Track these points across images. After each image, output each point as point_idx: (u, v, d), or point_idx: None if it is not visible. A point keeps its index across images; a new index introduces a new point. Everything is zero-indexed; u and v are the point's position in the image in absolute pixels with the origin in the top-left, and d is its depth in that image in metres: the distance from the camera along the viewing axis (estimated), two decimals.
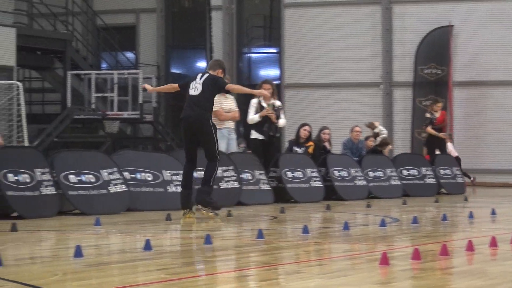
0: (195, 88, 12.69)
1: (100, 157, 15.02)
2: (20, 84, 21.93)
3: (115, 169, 14.48)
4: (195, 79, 12.87)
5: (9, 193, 12.85)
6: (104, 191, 14.02)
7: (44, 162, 13.89)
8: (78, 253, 7.58)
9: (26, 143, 20.36)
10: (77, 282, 6.45)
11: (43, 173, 13.60)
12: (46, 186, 13.50)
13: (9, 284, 6.11)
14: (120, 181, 14.38)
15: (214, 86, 12.79)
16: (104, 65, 30.62)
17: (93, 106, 26.31)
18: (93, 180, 14.09)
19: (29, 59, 26.14)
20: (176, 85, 13.45)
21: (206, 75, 12.85)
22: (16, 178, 13.17)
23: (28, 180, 13.32)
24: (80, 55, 27.63)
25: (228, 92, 14.42)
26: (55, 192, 13.44)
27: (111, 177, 14.22)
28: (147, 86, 14.25)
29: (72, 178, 13.86)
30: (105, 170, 14.18)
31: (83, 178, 14.00)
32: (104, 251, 9.56)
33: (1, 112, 17.73)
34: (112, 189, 13.85)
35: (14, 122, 20.64)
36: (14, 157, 13.76)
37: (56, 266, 7.53)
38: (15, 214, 12.92)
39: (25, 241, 10.09)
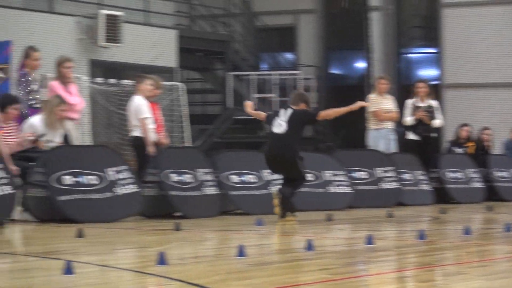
0: (279, 126, 12.21)
1: (260, 158, 15.13)
2: (181, 85, 22.47)
3: None
4: (278, 114, 12.40)
5: (173, 193, 13.15)
6: (265, 191, 14.16)
7: (206, 162, 14.15)
8: (241, 252, 7.65)
9: (188, 144, 20.78)
10: (239, 281, 6.49)
11: (205, 173, 13.86)
12: (209, 186, 13.75)
13: (174, 283, 6.20)
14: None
15: (302, 121, 12.43)
16: (263, 65, 30.90)
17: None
18: (254, 181, 14.27)
19: (190, 60, 26.62)
20: (264, 115, 13.04)
21: (290, 111, 12.31)
22: (179, 178, 13.45)
23: (191, 180, 13.60)
24: (240, 56, 27.97)
25: (316, 122, 13.80)
26: (217, 192, 13.68)
27: (271, 177, 14.32)
28: (248, 105, 13.40)
29: (234, 178, 14.09)
30: (265, 171, 14.27)
31: (245, 178, 14.24)
32: (266, 251, 9.66)
33: (163, 113, 17.98)
34: (273, 189, 13.96)
35: (176, 122, 21.18)
36: (177, 158, 14.06)
37: (219, 266, 7.63)
38: (178, 213, 13.22)
39: (189, 240, 10.30)
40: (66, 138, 13.56)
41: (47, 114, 13.05)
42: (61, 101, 13.12)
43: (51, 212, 12.41)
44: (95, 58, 20.83)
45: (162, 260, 6.95)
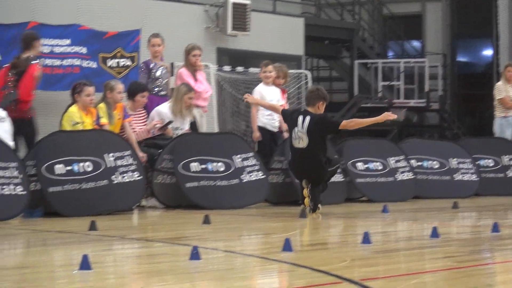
0: (299, 139, 11.05)
1: (387, 145, 15.24)
2: (308, 73, 22.51)
3: (402, 157, 14.61)
4: (296, 123, 11.07)
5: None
6: (391, 179, 14.17)
7: (332, 148, 14.09)
8: (366, 239, 7.65)
9: None
10: (364, 268, 6.51)
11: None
12: None
13: (299, 269, 6.23)
14: (407, 168, 14.46)
15: (323, 130, 11.20)
16: (390, 53, 30.89)
17: (379, 94, 26.64)
18: (380, 168, 14.23)
19: (317, 48, 26.78)
20: (280, 110, 12.00)
21: (308, 118, 11.01)
22: None
23: None
24: (366, 44, 28.01)
25: (338, 132, 11.93)
26: (343, 180, 13.65)
27: (398, 164, 14.33)
28: (248, 97, 12.35)
29: (360, 165, 14.09)
30: (392, 158, 14.30)
31: (371, 165, 14.23)
32: (391, 238, 9.66)
33: (290, 100, 18.27)
34: (399, 176, 13.96)
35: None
36: None
37: (344, 252, 7.65)
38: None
39: (314, 227, 10.37)
40: (193, 125, 13.82)
41: (175, 102, 13.29)
42: (189, 89, 13.33)
43: (178, 198, 12.64)
44: (222, 46, 21.10)
45: (287, 247, 7.00)
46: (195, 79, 14.12)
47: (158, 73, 14.45)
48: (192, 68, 14.14)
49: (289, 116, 11.46)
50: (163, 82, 14.59)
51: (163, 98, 14.00)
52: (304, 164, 11.09)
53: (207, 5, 20.52)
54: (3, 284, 5.72)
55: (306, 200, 11.00)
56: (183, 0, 20.78)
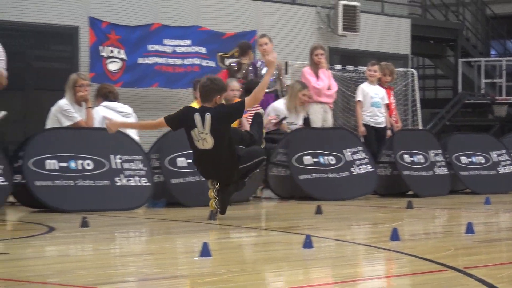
0: (203, 140, 8.79)
1: (489, 140, 14.98)
2: (414, 71, 22.33)
3: (504, 151, 14.37)
4: (194, 124, 8.77)
5: (405, 172, 13.10)
6: (493, 172, 13.95)
7: (437, 144, 14.03)
8: (470, 229, 7.53)
9: (420, 126, 20.70)
10: (467, 257, 6.43)
11: (436, 154, 13.73)
12: (439, 166, 13.61)
13: (406, 257, 6.19)
14: (509, 162, 14.24)
15: (228, 121, 9.04)
16: (493, 52, 30.29)
17: (482, 91, 26.20)
18: (483, 161, 14.03)
19: (423, 47, 26.46)
20: (160, 121, 9.25)
21: (208, 116, 8.74)
22: (411, 159, 13.37)
23: (422, 161, 13.50)
24: (470, 44, 27.54)
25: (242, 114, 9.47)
26: (447, 172, 13.51)
27: (500, 158, 14.10)
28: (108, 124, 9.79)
29: (463, 159, 13.87)
30: (493, 152, 14.07)
31: (474, 159, 13.99)
32: (494, 228, 9.48)
33: (397, 97, 18.08)
34: (501, 170, 13.72)
35: (409, 106, 21.13)
36: (410, 140, 13.99)
37: (448, 242, 7.54)
38: (410, 192, 13.21)
39: (420, 218, 10.23)
40: (306, 120, 13.84)
41: (290, 98, 13.32)
42: (303, 86, 13.34)
43: (291, 190, 12.62)
44: (334, 46, 21.00)
45: (395, 236, 6.96)
46: (317, 77, 14.11)
47: (263, 71, 14.48)
48: (315, 66, 14.13)
49: (178, 118, 9.07)
50: (270, 80, 14.44)
51: (270, 95, 14.03)
52: (211, 166, 9.00)
53: (319, 7, 20.49)
54: (129, 269, 5.84)
55: (212, 202, 8.96)
56: (296, 3, 20.81)
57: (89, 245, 7.50)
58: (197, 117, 8.79)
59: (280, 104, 13.31)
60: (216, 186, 8.94)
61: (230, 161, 8.92)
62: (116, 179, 10.79)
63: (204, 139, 8.78)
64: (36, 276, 5.29)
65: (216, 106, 8.87)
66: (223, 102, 9.27)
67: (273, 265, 5.99)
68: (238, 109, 9.09)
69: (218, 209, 8.95)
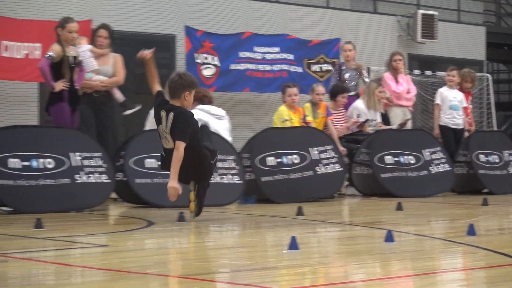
0: (165, 139, 7.97)
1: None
2: (489, 76, 22.09)
3: None
4: (160, 121, 7.95)
5: (481, 171, 13.00)
6: None
7: (511, 144, 13.96)
8: None
9: (495, 128, 20.46)
10: None
11: (510, 154, 13.65)
12: None
13: (481, 251, 6.12)
14: None
15: (184, 128, 7.79)
16: None
17: None
18: None
19: (497, 53, 26.05)
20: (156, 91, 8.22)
21: (171, 115, 7.80)
22: (486, 158, 13.25)
23: (497, 161, 13.38)
24: None
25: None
26: None
27: None
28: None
29: None
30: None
31: None
32: None
33: (473, 100, 17.84)
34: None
35: (484, 109, 20.91)
36: (485, 140, 13.83)
37: None
38: (486, 190, 13.06)
39: (495, 214, 10.08)
40: (384, 117, 13.80)
41: (368, 97, 13.29)
42: (379, 84, 13.42)
43: (374, 187, 12.57)
44: (413, 52, 20.82)
45: (471, 231, 6.88)
46: (397, 82, 14.06)
47: (346, 76, 14.42)
48: (394, 71, 14.08)
49: (156, 108, 8.17)
50: (351, 84, 14.51)
51: (352, 98, 13.97)
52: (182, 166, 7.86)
53: (399, 16, 20.32)
54: (222, 261, 5.90)
55: (192, 205, 8.26)
56: (378, 12, 20.71)
57: (185, 238, 7.59)
58: (163, 114, 7.90)
59: (359, 104, 13.31)
60: (195, 189, 8.20)
61: (193, 161, 7.91)
62: (217, 177, 10.76)
63: (166, 138, 7.96)
64: (136, 267, 5.38)
65: (179, 109, 7.87)
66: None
67: (356, 258, 5.98)
68: (181, 132, 7.78)
69: (196, 213, 8.31)
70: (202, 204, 8.34)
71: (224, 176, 10.83)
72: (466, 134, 13.81)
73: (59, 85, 10.79)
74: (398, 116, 13.77)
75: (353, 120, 12.97)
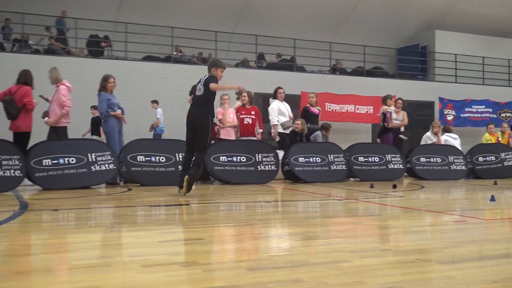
0: (199, 90, 10.42)
1: None
2: None
3: None
4: (199, 81, 10.58)
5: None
6: None
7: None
8: None
9: None
10: None
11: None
12: None
13: None
14: None
15: (213, 79, 10.32)
16: None
17: None
18: None
19: None
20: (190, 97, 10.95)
21: (206, 76, 10.50)
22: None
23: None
24: None
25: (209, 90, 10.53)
26: None
27: None
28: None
29: None
30: None
31: None
32: None
33: None
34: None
35: None
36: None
37: None
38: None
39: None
40: None
41: None
42: None
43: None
44: None
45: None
46: None
47: None
48: None
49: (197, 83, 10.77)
50: None
51: None
52: (196, 109, 10.53)
53: None
54: None
55: (184, 188, 10.49)
56: None
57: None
58: (202, 78, 10.59)
59: None
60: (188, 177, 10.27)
61: (206, 108, 10.36)
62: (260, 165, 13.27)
63: (200, 89, 10.43)
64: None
65: (210, 75, 10.41)
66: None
67: None
68: (208, 80, 10.37)
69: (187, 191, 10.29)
70: (191, 184, 10.20)
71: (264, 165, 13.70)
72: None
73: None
74: None
75: None
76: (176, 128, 21.05)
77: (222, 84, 10.61)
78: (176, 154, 13.33)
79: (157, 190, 11.56)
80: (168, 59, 24.55)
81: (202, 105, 10.26)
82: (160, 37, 24.90)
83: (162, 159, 13.23)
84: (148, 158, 13.11)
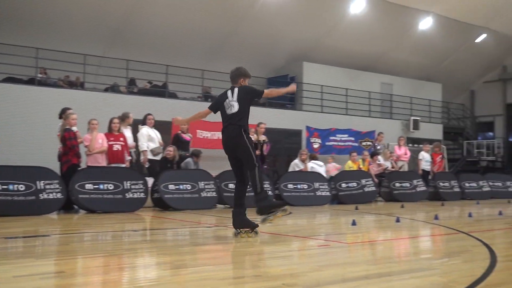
0: (231, 106, 8.71)
1: None
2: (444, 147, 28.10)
3: None
4: (226, 97, 8.81)
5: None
6: None
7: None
8: None
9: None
10: None
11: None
12: None
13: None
14: None
15: (249, 97, 8.80)
16: None
17: None
18: None
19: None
20: (207, 109, 9.00)
21: (236, 89, 8.83)
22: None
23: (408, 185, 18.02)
24: None
25: (260, 97, 9.04)
26: None
27: None
28: (176, 119, 9.68)
29: None
30: None
31: None
32: None
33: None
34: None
35: None
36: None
37: None
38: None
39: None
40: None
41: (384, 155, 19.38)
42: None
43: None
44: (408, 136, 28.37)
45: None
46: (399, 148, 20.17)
47: (378, 147, 21.69)
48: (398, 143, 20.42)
49: (219, 97, 9.00)
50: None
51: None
52: (230, 129, 8.81)
53: (403, 121, 28.80)
54: None
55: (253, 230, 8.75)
56: (392, 118, 28.47)
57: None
58: (229, 92, 8.86)
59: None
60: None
61: (242, 126, 8.70)
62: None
63: (232, 106, 8.75)
64: None
65: (243, 86, 8.89)
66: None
67: None
68: (255, 90, 8.90)
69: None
70: (262, 210, 8.68)
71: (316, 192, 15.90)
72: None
73: None
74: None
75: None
76: (37, 154, 20.25)
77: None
78: (37, 182, 12.62)
79: (16, 221, 11.11)
80: (31, 81, 23.33)
81: (238, 125, 8.69)
82: (23, 58, 23.40)
83: (22, 187, 12.39)
84: (6, 187, 12.23)
